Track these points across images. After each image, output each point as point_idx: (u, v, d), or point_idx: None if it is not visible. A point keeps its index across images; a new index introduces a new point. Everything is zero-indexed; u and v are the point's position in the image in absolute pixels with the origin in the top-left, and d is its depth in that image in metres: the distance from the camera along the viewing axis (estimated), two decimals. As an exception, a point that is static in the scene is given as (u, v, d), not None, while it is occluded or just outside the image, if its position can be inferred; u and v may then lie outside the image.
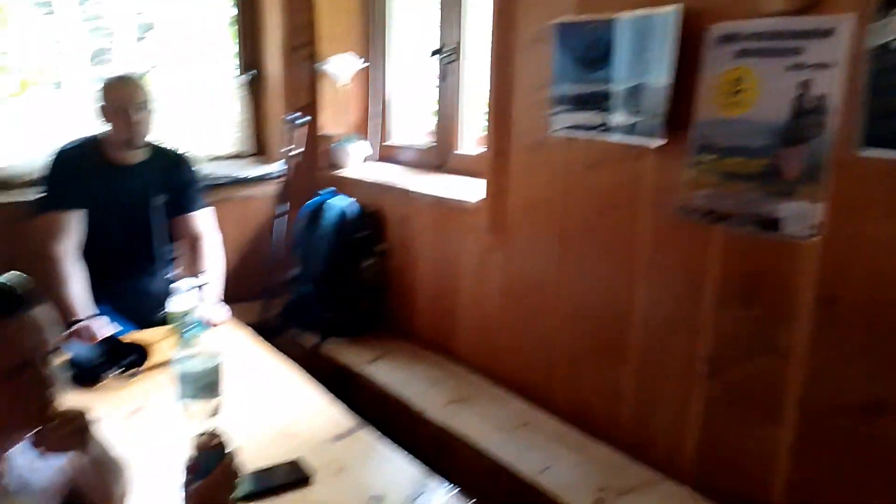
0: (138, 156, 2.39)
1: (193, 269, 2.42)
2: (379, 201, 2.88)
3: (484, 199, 2.33)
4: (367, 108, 3.21)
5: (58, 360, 1.07)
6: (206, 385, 1.53)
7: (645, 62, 1.73)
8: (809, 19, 1.46)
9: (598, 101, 1.87)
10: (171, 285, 2.09)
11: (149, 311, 2.30)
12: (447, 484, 1.44)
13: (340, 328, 2.82)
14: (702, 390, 1.77)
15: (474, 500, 1.40)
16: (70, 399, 1.12)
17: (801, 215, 1.51)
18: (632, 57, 1.77)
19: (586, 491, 1.80)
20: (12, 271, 1.06)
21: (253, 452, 1.34)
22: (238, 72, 3.26)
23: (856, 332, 1.47)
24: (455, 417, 2.17)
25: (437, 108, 2.84)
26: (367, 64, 3.16)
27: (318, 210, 2.91)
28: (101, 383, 1.83)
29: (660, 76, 1.70)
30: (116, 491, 1.26)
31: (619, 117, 1.82)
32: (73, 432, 1.12)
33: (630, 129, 1.80)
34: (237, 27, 3.25)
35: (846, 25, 1.40)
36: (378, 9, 3.11)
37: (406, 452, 1.57)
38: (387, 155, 3.19)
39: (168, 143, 2.55)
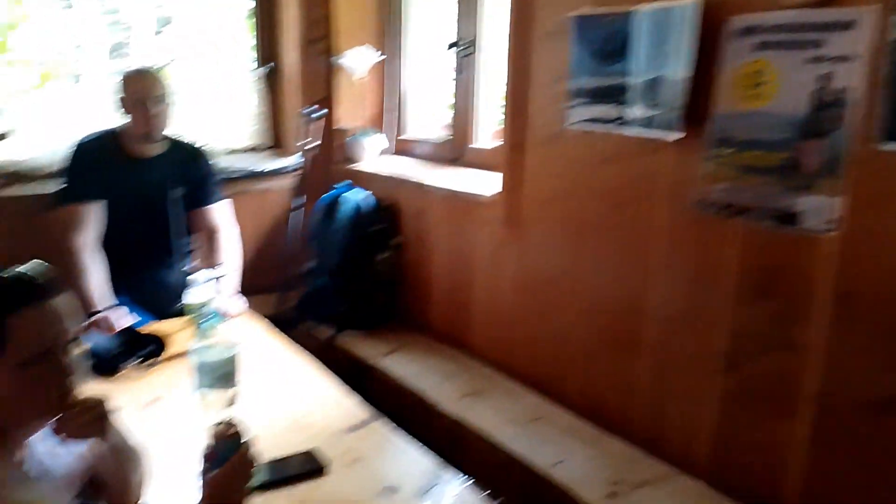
0: (157, 148, 2.41)
1: (210, 262, 2.44)
2: (394, 195, 2.88)
3: (499, 192, 2.33)
4: (383, 101, 3.22)
5: (78, 350, 1.08)
6: (223, 375, 1.55)
7: (663, 55, 1.72)
8: (830, 11, 1.44)
9: (615, 95, 1.86)
10: (189, 277, 2.11)
11: (166, 302, 2.32)
12: (461, 476, 1.45)
13: (355, 321, 2.83)
14: (717, 385, 1.76)
15: (488, 491, 1.41)
16: (89, 388, 1.13)
17: (820, 209, 1.49)
18: (650, 50, 1.76)
19: (600, 484, 1.80)
20: (34, 261, 1.08)
21: (268, 442, 1.35)
22: (255, 65, 3.27)
23: (873, 329, 1.46)
24: (469, 410, 2.18)
25: (453, 101, 2.84)
26: (383, 57, 3.16)
27: (333, 203, 2.92)
28: (119, 373, 1.86)
29: (678, 69, 1.69)
30: (135, 478, 1.28)
31: (636, 111, 1.81)
32: (93, 420, 1.14)
33: (647, 123, 1.79)
34: (254, 21, 3.26)
35: (868, 18, 1.38)
36: (395, 2, 3.11)
37: (420, 444, 1.58)
38: (402, 148, 3.19)
39: (186, 136, 2.57)
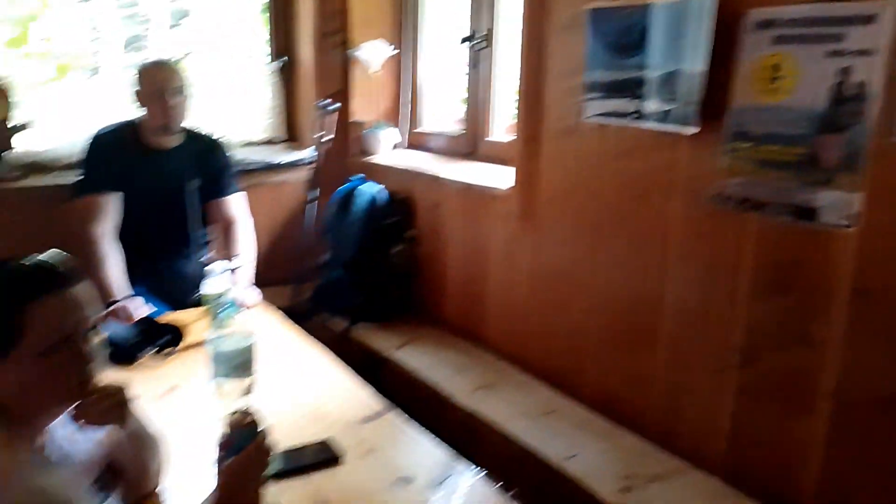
0: (174, 140, 2.43)
1: (226, 253, 2.46)
2: (409, 188, 2.89)
3: (513, 186, 2.32)
4: (398, 94, 3.22)
5: (96, 338, 1.10)
6: (239, 364, 1.56)
7: (680, 48, 1.71)
8: (851, 5, 1.43)
9: (631, 88, 1.85)
10: (205, 268, 2.13)
11: (183, 293, 2.35)
12: (474, 467, 1.46)
13: (370, 313, 2.84)
14: (733, 380, 1.76)
15: (501, 483, 1.41)
16: (107, 377, 1.15)
17: (838, 205, 1.48)
18: (667, 43, 1.75)
19: (613, 478, 1.80)
20: (53, 249, 1.09)
21: (284, 432, 1.36)
22: (270, 58, 3.29)
23: (891, 325, 1.45)
24: (482, 403, 2.18)
25: (467, 95, 2.83)
26: (398, 51, 3.16)
27: (348, 196, 2.93)
28: (137, 362, 1.88)
29: (695, 62, 1.68)
30: (153, 465, 1.29)
31: (652, 104, 1.81)
32: (112, 406, 1.16)
33: (664, 117, 1.78)
34: (270, 14, 3.27)
35: (889, 11, 1.37)
36: (410, -5, 3.11)
37: (433, 436, 1.59)
38: (417, 142, 3.19)
39: (203, 128, 2.59)
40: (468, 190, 2.55)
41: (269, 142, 3.33)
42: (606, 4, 1.91)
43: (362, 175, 2.99)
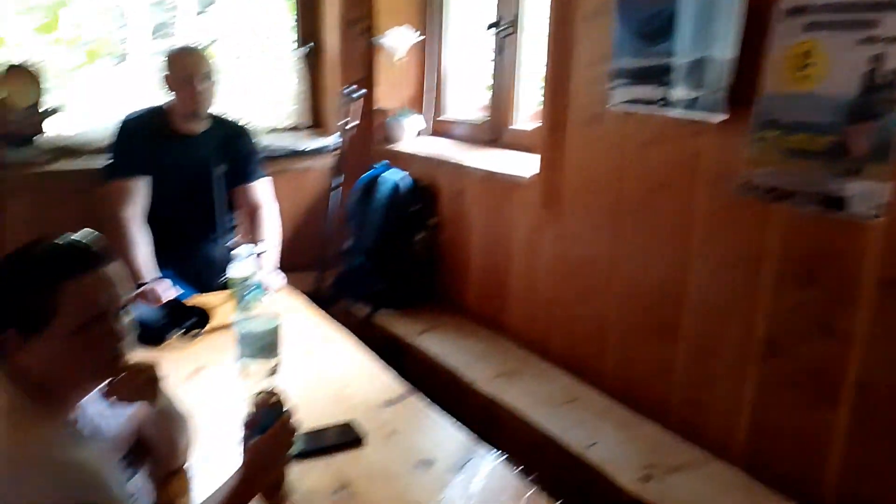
0: (201, 126, 2.46)
1: (252, 238, 2.49)
2: (432, 175, 2.89)
3: (537, 174, 2.32)
4: (423, 82, 3.22)
5: (127, 317, 1.12)
6: (265, 346, 1.59)
7: (709, 35, 1.69)
8: (885, -9, 1.40)
9: (658, 75, 1.83)
10: (231, 252, 2.15)
11: (210, 276, 2.38)
12: (495, 451, 1.47)
13: (392, 300, 2.86)
14: (756, 371, 1.75)
15: (521, 467, 1.42)
16: (135, 357, 1.17)
17: (868, 195, 1.46)
18: (695, 29, 1.73)
19: (634, 467, 1.80)
20: (85, 230, 1.12)
21: (307, 414, 1.38)
22: (296, 45, 3.30)
23: (921, 316, 1.43)
24: (503, 390, 2.19)
25: (492, 82, 2.83)
26: (423, 37, 3.16)
27: (372, 183, 2.94)
28: (164, 343, 1.91)
29: (724, 49, 1.66)
30: (181, 442, 1.32)
31: (679, 92, 1.79)
32: (143, 384, 1.18)
33: (691, 104, 1.76)
34: (295, 1, 3.28)
35: (925, -4, 1.34)
36: (435, -18, 3.10)
37: (455, 420, 1.60)
38: (441, 129, 3.19)
39: (229, 114, 2.62)
40: (492, 177, 2.55)
41: (294, 128, 3.35)
42: (634, -9, 1.90)
43: (386, 162, 3.00)
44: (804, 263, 1.62)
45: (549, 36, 2.22)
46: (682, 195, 1.87)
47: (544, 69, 2.26)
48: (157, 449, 1.30)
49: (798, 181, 1.58)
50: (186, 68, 2.34)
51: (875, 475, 1.54)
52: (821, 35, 1.51)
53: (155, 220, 2.38)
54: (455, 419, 1.61)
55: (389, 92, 3.21)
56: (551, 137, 2.26)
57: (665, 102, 1.83)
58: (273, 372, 1.60)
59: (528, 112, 2.73)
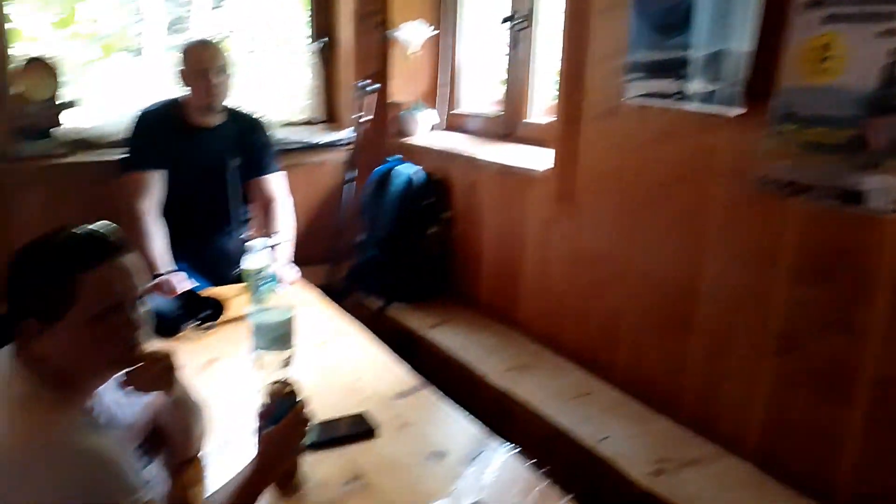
0: (216, 119, 2.47)
1: (266, 231, 2.50)
2: (445, 169, 2.89)
3: (552, 167, 2.31)
4: (437, 76, 3.21)
5: (144, 308, 1.13)
6: (279, 336, 1.60)
7: (726, 27, 1.68)
8: (906, -18, 1.38)
9: (674, 69, 1.82)
10: (246, 244, 2.16)
11: (224, 269, 2.39)
12: (507, 444, 1.47)
13: (404, 293, 2.86)
14: (771, 367, 1.73)
15: (534, 460, 1.42)
16: (151, 347, 1.18)
17: (886, 189, 1.44)
18: (713, 22, 1.71)
19: (646, 461, 1.79)
20: (102, 221, 1.13)
21: (320, 405, 1.39)
22: (310, 39, 3.30)
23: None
24: (515, 383, 2.19)
25: (506, 76, 2.82)
26: (437, 31, 3.15)
27: (385, 177, 2.94)
28: (179, 334, 1.93)
29: (742, 42, 1.64)
30: (196, 431, 1.34)
31: (696, 85, 1.77)
32: (159, 373, 1.19)
33: (708, 98, 1.75)
34: (310, -6, 3.29)
35: (947, -12, 1.32)
36: (450, -24, 3.09)
37: (467, 412, 1.60)
38: (454, 123, 3.19)
39: (244, 108, 2.63)
40: (505, 171, 2.54)
41: (309, 122, 3.35)
42: (651, -17, 1.88)
43: (400, 156, 3.00)
44: (820, 258, 1.61)
45: (563, 29, 2.21)
46: (697, 189, 1.86)
47: (559, 63, 2.25)
48: (173, 438, 1.31)
49: (815, 175, 1.56)
50: (202, 62, 2.35)
51: (890, 472, 1.52)
52: (840, 27, 1.49)
53: (170, 212, 2.39)
54: (467, 412, 1.61)
55: (403, 86, 3.21)
56: (566, 131, 2.25)
57: (681, 96, 1.82)
58: (287, 363, 1.61)
59: (542, 106, 2.72)
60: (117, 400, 1.20)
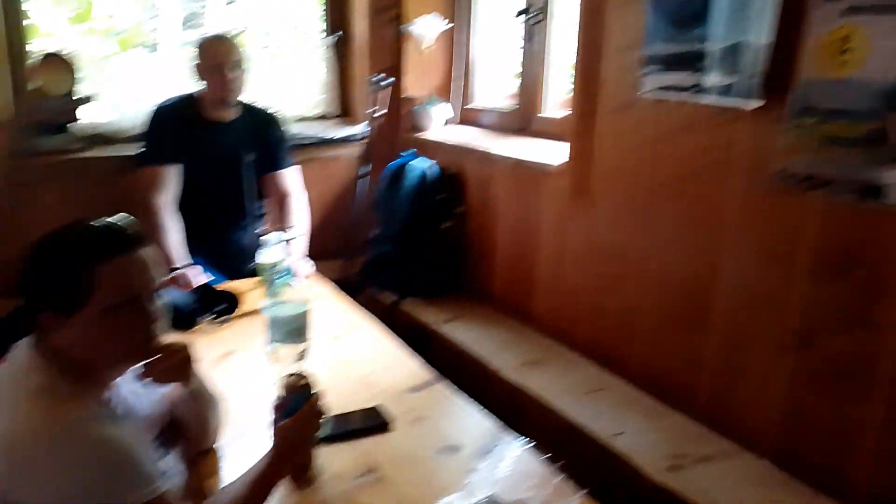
0: (231, 113, 2.48)
1: (281, 226, 2.51)
2: (459, 164, 2.89)
3: (567, 162, 2.30)
4: (451, 70, 3.21)
5: (161, 300, 1.13)
6: (294, 330, 1.60)
7: (745, 19, 1.66)
8: (929, -28, 1.36)
9: (692, 61, 1.80)
10: (261, 239, 2.17)
11: (239, 263, 2.41)
12: (521, 438, 1.46)
13: (418, 288, 2.86)
14: (788, 363, 1.72)
15: (548, 455, 1.42)
16: (167, 340, 1.19)
17: (907, 183, 1.42)
18: (730, 14, 1.69)
19: (661, 456, 1.78)
20: (120, 214, 1.13)
21: (334, 398, 1.39)
22: (324, 34, 3.30)
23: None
24: (529, 378, 2.19)
25: (520, 70, 2.81)
26: (451, 25, 3.15)
27: (399, 171, 2.94)
28: (195, 327, 1.94)
29: (760, 34, 1.62)
30: (212, 423, 1.34)
31: (713, 78, 1.76)
32: (177, 364, 1.20)
33: (725, 91, 1.73)
34: (325, -11, 3.29)
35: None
36: (464, -31, 3.08)
37: (481, 406, 1.60)
38: (468, 118, 3.18)
39: (259, 102, 2.63)
40: (519, 166, 2.53)
41: (323, 117, 3.36)
42: (667, -25, 1.87)
43: (414, 150, 3.00)
44: (840, 253, 1.59)
45: (579, 22, 2.20)
46: (714, 184, 1.84)
47: (574, 56, 2.24)
48: (189, 429, 1.32)
49: (834, 169, 1.54)
50: (217, 56, 2.36)
51: (910, 470, 1.51)
52: (860, 19, 1.47)
53: (185, 207, 2.41)
54: (481, 406, 1.61)
55: (417, 80, 3.21)
56: (581, 125, 2.24)
57: (698, 89, 1.80)
58: (302, 356, 1.62)
59: (557, 100, 2.70)
60: (135, 391, 1.21)
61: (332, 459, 1.34)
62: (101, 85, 2.94)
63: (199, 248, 2.37)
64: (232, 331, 1.95)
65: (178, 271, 2.18)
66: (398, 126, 3.21)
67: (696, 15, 1.77)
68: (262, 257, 2.09)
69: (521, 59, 2.78)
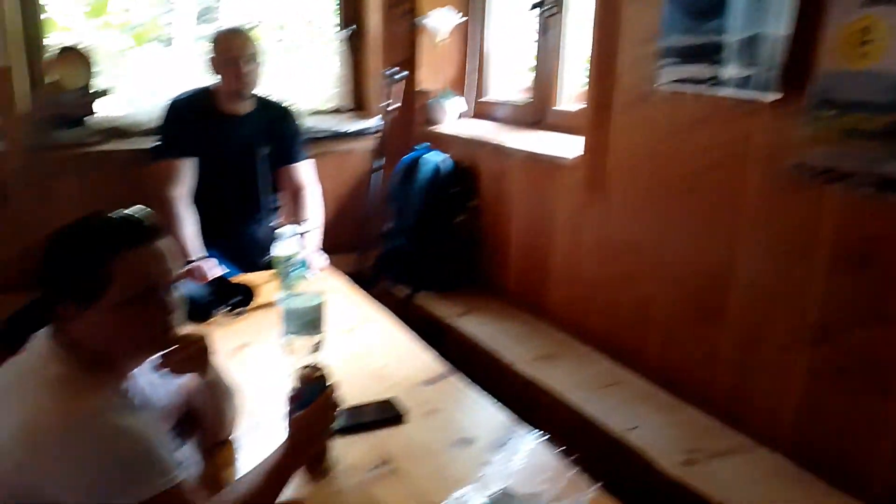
0: (246, 107, 2.49)
1: (295, 219, 2.52)
2: (473, 157, 2.88)
3: (581, 155, 2.29)
4: (465, 63, 3.20)
5: (178, 292, 1.14)
6: (309, 322, 1.61)
7: (763, 11, 1.64)
8: (953, -39, 1.34)
9: (709, 54, 1.78)
10: (275, 232, 2.18)
11: (254, 256, 2.42)
12: (536, 431, 1.46)
13: (432, 281, 2.86)
14: (806, 358, 1.70)
15: (563, 448, 1.41)
16: (184, 331, 1.19)
17: (928, 177, 1.40)
18: (749, 5, 1.67)
19: (676, 451, 1.77)
20: (137, 206, 1.14)
21: (349, 391, 1.40)
22: (338, 28, 3.31)
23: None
24: (543, 372, 2.18)
25: (535, 63, 2.79)
26: (465, 18, 3.14)
27: (413, 165, 2.94)
28: (210, 319, 1.95)
29: (778, 26, 1.60)
30: (229, 414, 1.35)
31: (731, 70, 1.74)
32: (193, 355, 1.21)
33: (743, 83, 1.71)
34: (339, -18, 3.29)
35: None
36: (479, -38, 3.07)
37: (495, 400, 1.60)
38: (482, 111, 3.17)
39: (274, 96, 2.64)
40: (534, 159, 2.52)
41: (337, 110, 3.36)
42: (684, -33, 1.85)
43: (427, 144, 3.00)
44: (858, 247, 1.57)
45: (594, 15, 2.18)
46: (731, 177, 1.83)
47: (589, 49, 2.22)
48: (206, 420, 1.33)
49: (853, 162, 1.52)
50: (231, 50, 2.36)
51: (929, 466, 1.49)
52: (880, 10, 1.45)
53: (201, 200, 2.42)
54: (495, 399, 1.61)
55: (431, 74, 3.20)
56: (596, 118, 2.22)
57: (715, 81, 1.79)
58: (316, 348, 1.62)
59: (572, 93, 2.69)
60: (152, 382, 1.22)
61: (346, 451, 1.34)
62: (117, 79, 2.96)
63: (215, 241, 2.39)
64: (247, 323, 1.96)
65: (193, 264, 2.20)
66: (412, 119, 3.21)
67: (713, 6, 1.75)
68: (277, 250, 2.10)
69: (536, 53, 2.77)
